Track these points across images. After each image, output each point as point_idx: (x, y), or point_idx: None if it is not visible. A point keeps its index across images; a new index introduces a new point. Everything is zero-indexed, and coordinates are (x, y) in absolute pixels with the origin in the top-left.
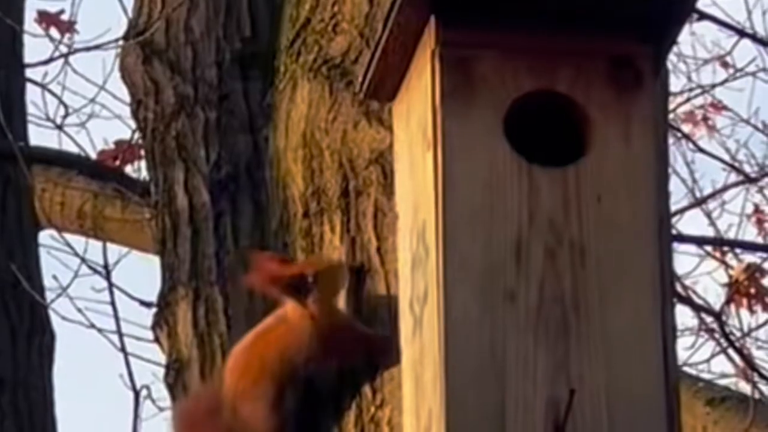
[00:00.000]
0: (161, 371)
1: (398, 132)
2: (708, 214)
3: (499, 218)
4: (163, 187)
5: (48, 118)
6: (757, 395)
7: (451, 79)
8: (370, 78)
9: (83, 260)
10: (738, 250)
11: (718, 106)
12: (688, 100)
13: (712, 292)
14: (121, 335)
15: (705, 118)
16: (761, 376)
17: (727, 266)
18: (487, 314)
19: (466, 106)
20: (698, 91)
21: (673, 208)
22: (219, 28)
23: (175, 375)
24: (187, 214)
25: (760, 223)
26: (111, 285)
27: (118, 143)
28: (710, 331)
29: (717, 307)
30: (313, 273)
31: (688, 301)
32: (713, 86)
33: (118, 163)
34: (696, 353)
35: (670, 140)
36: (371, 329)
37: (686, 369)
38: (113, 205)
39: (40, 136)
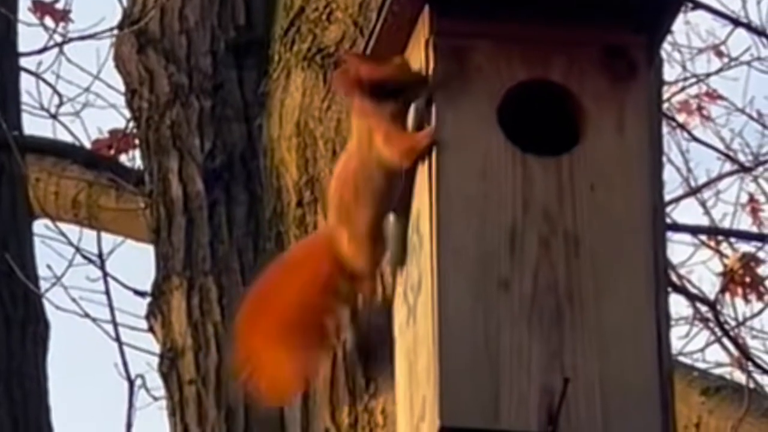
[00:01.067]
0: (156, 360)
1: None
2: (703, 203)
3: (493, 207)
4: (157, 177)
5: (42, 108)
6: (751, 384)
7: (445, 69)
8: None
9: (77, 250)
10: (733, 240)
11: (713, 96)
12: (682, 89)
13: (707, 282)
14: (115, 324)
15: (700, 108)
16: (756, 365)
17: (722, 255)
18: (480, 303)
19: (461, 95)
20: (693, 80)
21: (668, 197)
22: (213, 17)
23: (170, 364)
24: (181, 203)
25: (754, 212)
26: (105, 274)
27: (113, 132)
28: (705, 321)
29: (712, 296)
30: (398, 81)
31: (682, 290)
32: (708, 75)
33: (112, 152)
34: (691, 342)
35: (665, 129)
36: None
37: (681, 358)
38: (108, 194)
39: (34, 126)
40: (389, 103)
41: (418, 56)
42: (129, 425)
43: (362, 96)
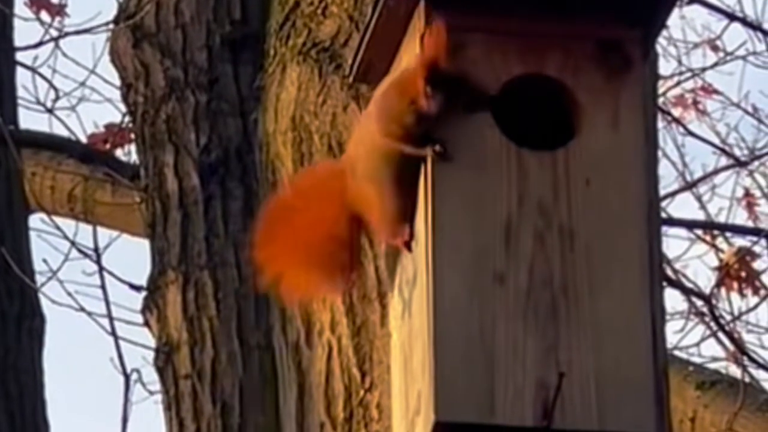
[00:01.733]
0: (151, 355)
1: None
2: (698, 198)
3: (489, 202)
4: (153, 171)
5: (38, 102)
6: (747, 379)
7: None
8: (360, 61)
9: (73, 244)
10: (728, 234)
11: (708, 90)
12: (678, 83)
13: (703, 276)
14: (111, 319)
15: (695, 102)
16: (751, 359)
17: (718, 250)
18: (476, 297)
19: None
20: (688, 74)
21: (664, 191)
22: (209, 12)
23: (165, 358)
24: (177, 197)
25: (750, 206)
26: (101, 269)
27: (109, 127)
28: (700, 315)
29: (707, 290)
30: (466, 79)
31: (678, 284)
32: (703, 70)
33: (108, 146)
34: (686, 337)
35: (660, 124)
36: None
37: (676, 353)
38: (103, 188)
39: (30, 120)
40: (436, 96)
41: (414, 50)
42: (125, 419)
43: (422, 70)
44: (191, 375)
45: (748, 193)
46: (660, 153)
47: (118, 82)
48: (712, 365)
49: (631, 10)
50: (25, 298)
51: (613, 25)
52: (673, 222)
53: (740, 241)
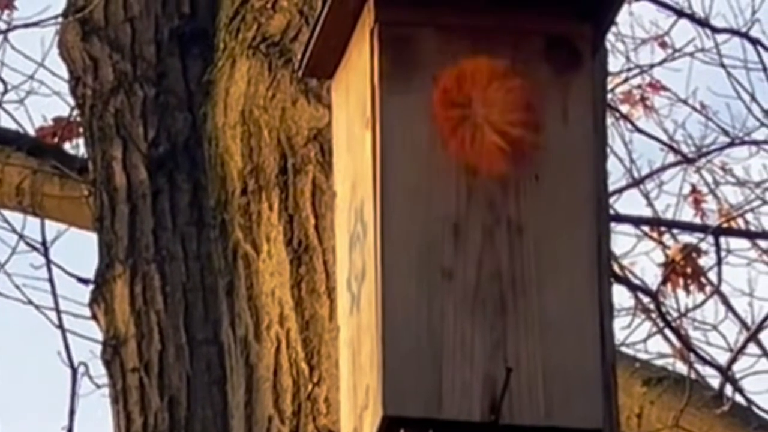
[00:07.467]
0: (99, 348)
1: (337, 110)
2: (646, 195)
3: (438, 196)
4: (101, 165)
5: None
6: (693, 375)
7: (390, 58)
8: (309, 56)
9: (21, 237)
10: (675, 231)
11: (657, 87)
12: (626, 80)
13: (650, 273)
14: (58, 312)
15: (643, 99)
16: (698, 356)
17: (664, 246)
18: (424, 292)
19: (405, 84)
20: (636, 71)
21: (611, 187)
22: (158, 6)
23: (113, 352)
24: (125, 191)
25: (697, 203)
26: (49, 262)
27: (57, 120)
28: (647, 311)
29: (654, 287)
30: None
31: (625, 280)
32: (651, 66)
33: (56, 140)
34: (633, 333)
35: (608, 120)
36: None
37: (623, 349)
38: (52, 182)
39: None
40: None
41: (364, 45)
42: (72, 413)
43: None
44: (139, 368)
45: (695, 190)
46: (608, 149)
47: (66, 75)
48: (659, 362)
49: (580, 5)
50: None
51: (562, 21)
52: (620, 218)
53: (687, 238)
